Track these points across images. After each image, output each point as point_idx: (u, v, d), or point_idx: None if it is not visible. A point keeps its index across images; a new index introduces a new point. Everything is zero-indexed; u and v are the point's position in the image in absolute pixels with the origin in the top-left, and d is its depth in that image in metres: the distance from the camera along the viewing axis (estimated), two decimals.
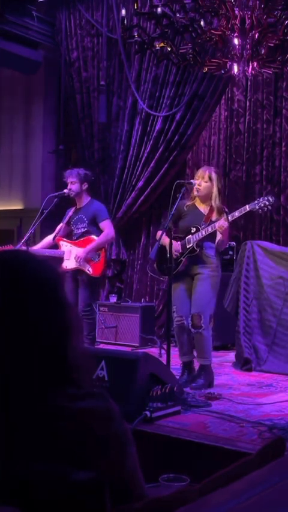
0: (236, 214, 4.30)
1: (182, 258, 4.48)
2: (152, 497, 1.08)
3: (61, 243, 5.47)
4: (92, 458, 1.06)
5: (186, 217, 4.56)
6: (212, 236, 4.45)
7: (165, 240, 4.42)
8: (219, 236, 4.44)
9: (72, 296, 5.26)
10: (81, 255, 5.27)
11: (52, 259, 5.36)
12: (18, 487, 1.01)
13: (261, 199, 4.27)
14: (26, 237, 5.22)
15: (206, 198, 4.51)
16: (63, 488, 1.02)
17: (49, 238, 5.53)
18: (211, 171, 4.55)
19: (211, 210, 4.47)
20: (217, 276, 4.47)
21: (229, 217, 4.27)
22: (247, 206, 4.29)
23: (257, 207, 4.23)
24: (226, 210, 4.42)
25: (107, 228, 5.41)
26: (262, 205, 4.22)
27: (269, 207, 4.26)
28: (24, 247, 5.16)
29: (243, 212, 4.29)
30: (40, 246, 5.52)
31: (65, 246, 5.44)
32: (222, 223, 4.28)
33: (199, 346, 4.47)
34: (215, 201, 4.46)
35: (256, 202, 4.28)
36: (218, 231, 4.34)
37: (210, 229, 4.37)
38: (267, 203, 4.21)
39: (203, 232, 4.41)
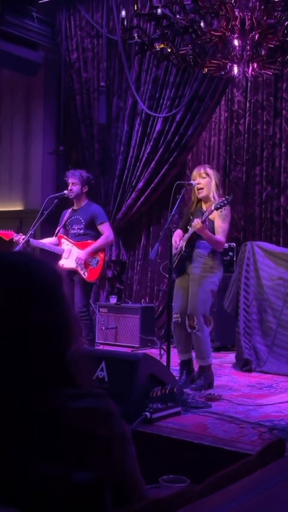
0: (206, 214, 4.30)
1: (176, 258, 4.47)
2: (152, 498, 1.08)
3: (62, 240, 5.49)
4: (92, 458, 1.06)
5: (192, 219, 4.55)
6: None
7: (175, 238, 4.46)
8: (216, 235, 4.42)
9: (69, 296, 5.26)
10: (82, 256, 5.30)
11: (51, 255, 5.39)
12: (18, 488, 1.01)
13: (223, 199, 4.28)
14: (26, 238, 5.23)
15: (208, 196, 4.49)
16: (63, 489, 1.02)
17: (51, 238, 5.56)
18: (206, 167, 4.57)
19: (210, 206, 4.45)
20: (211, 275, 4.39)
21: (203, 217, 4.27)
22: (212, 206, 4.29)
23: (218, 206, 4.25)
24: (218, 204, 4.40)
25: (107, 230, 5.44)
26: (222, 204, 4.23)
27: (226, 203, 4.24)
28: (24, 242, 5.19)
29: (211, 212, 4.27)
30: (43, 240, 5.56)
31: (66, 244, 5.46)
32: (195, 223, 4.28)
33: (196, 347, 4.46)
34: (213, 196, 4.45)
35: (220, 201, 4.26)
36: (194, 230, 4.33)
37: (191, 229, 4.37)
38: (225, 202, 4.24)
39: (189, 232, 4.42)
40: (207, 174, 4.48)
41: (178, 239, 4.51)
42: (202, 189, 4.47)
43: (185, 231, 4.55)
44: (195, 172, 4.55)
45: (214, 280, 4.41)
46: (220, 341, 5.83)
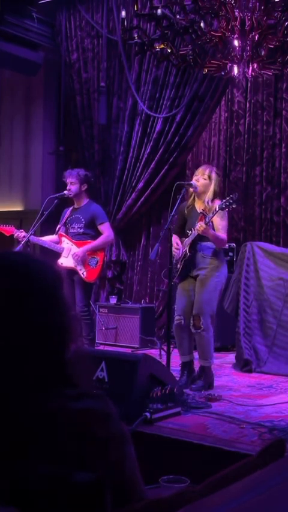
0: (211, 215, 4.30)
1: (181, 262, 4.48)
2: (152, 498, 1.08)
3: (63, 239, 5.49)
4: (92, 459, 1.06)
5: (188, 220, 4.56)
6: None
7: (174, 240, 4.46)
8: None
9: (69, 296, 5.26)
10: (79, 253, 5.30)
11: (50, 253, 5.39)
12: (18, 488, 1.01)
13: (228, 198, 4.28)
14: (26, 238, 5.22)
15: (203, 196, 4.49)
16: (63, 490, 1.02)
17: (52, 236, 5.56)
18: (212, 170, 4.55)
19: (205, 209, 4.45)
20: (217, 275, 4.43)
21: (207, 219, 4.28)
22: (216, 206, 4.29)
23: (224, 206, 4.25)
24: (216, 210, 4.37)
25: (107, 230, 5.44)
26: (228, 203, 4.23)
27: (234, 205, 4.26)
28: (24, 242, 5.19)
29: (215, 213, 4.28)
30: (44, 238, 5.56)
31: (66, 243, 5.46)
32: (198, 226, 4.29)
33: (200, 347, 4.47)
34: (209, 201, 4.45)
35: (224, 201, 4.27)
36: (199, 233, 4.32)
37: (195, 233, 4.36)
38: (231, 201, 4.23)
39: (192, 236, 4.41)
40: (210, 178, 4.48)
41: (175, 243, 4.50)
42: (197, 186, 4.48)
43: (181, 232, 4.54)
44: (200, 169, 4.56)
45: (220, 278, 4.46)
46: (220, 341, 5.82)
